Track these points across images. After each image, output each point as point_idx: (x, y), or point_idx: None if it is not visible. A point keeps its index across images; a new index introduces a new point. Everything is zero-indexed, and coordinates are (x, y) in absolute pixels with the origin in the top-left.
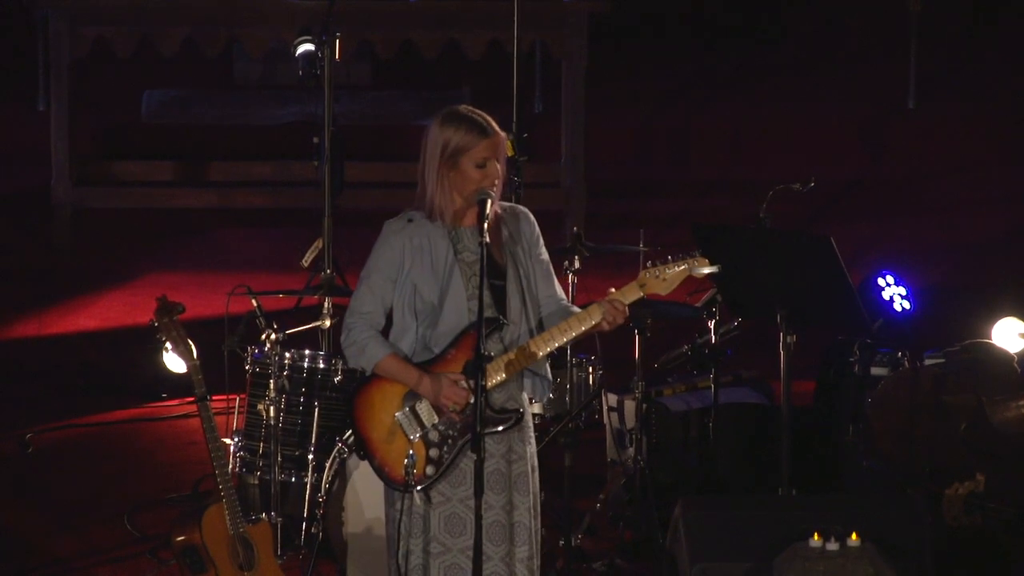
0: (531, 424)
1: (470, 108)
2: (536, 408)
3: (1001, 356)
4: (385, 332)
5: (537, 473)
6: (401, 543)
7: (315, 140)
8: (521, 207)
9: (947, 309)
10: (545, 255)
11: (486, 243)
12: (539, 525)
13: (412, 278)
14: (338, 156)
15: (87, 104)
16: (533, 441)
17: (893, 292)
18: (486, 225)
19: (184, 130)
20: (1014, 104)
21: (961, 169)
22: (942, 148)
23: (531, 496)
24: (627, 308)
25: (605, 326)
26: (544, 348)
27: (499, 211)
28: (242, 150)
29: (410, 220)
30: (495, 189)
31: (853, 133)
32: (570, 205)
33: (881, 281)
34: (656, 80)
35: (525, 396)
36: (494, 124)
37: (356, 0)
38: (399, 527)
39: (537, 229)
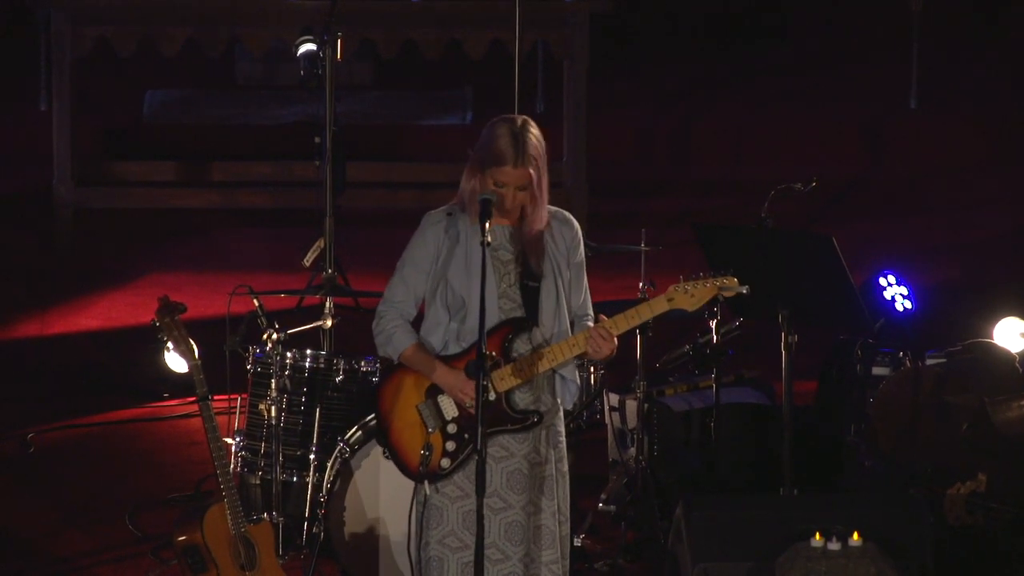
0: (560, 428)
1: (525, 128)
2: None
3: (1003, 356)
4: (418, 323)
5: (568, 479)
6: (415, 533)
7: (316, 140)
8: (567, 214)
9: (949, 309)
10: (581, 263)
11: (487, 242)
12: (568, 531)
13: (445, 271)
14: (340, 156)
15: (89, 104)
16: (563, 445)
17: (895, 292)
18: (487, 225)
19: (186, 130)
20: (1014, 104)
21: (962, 169)
22: (943, 148)
23: (557, 500)
24: (615, 338)
25: (592, 354)
26: (549, 362)
27: (547, 216)
28: (244, 150)
29: (449, 214)
30: (530, 210)
31: (855, 133)
32: (572, 205)
33: (883, 281)
34: (658, 80)
35: (558, 401)
36: (527, 154)
37: (357, 0)
38: (416, 518)
39: (579, 235)
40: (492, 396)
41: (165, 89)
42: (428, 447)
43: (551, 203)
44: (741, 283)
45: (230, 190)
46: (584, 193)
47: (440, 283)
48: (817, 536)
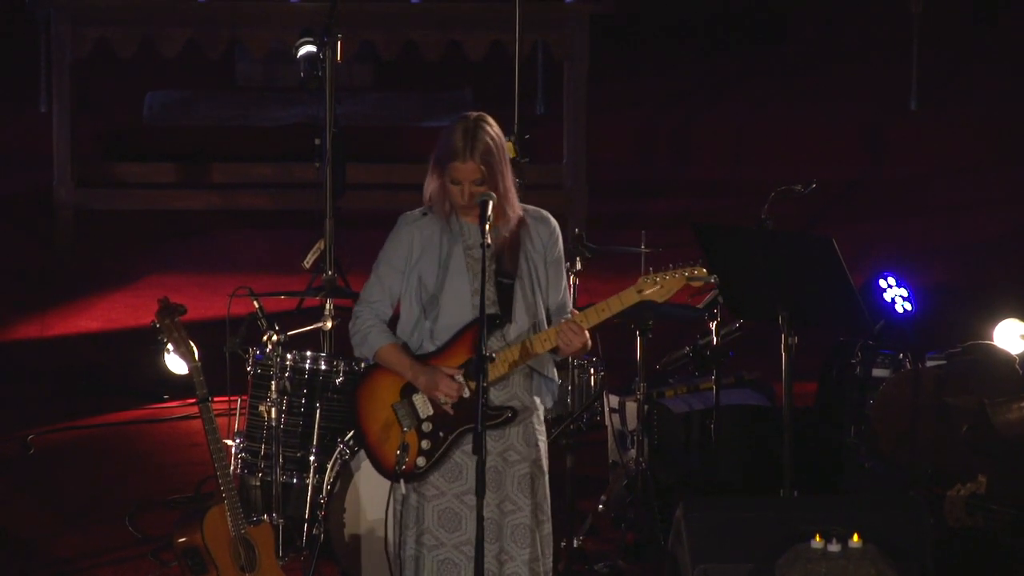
0: (538, 426)
1: (478, 124)
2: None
3: (1003, 357)
4: (394, 323)
5: (546, 476)
6: (392, 533)
7: (316, 141)
8: (544, 212)
9: (949, 310)
10: (559, 259)
11: (487, 244)
12: (549, 530)
13: (419, 270)
14: (339, 157)
15: (89, 105)
16: (541, 443)
17: (895, 293)
18: (487, 227)
19: (186, 131)
20: (1014, 105)
21: (962, 170)
22: (943, 149)
23: (534, 498)
24: (585, 332)
25: (563, 347)
26: (522, 357)
27: (522, 213)
28: (244, 151)
29: (425, 213)
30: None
31: (855, 134)
32: (572, 206)
33: (883, 282)
34: (658, 81)
35: (536, 399)
36: (476, 149)
37: (357, 1)
38: (393, 516)
39: (556, 233)
40: (466, 393)
41: (165, 90)
42: (404, 446)
43: (546, 204)
44: (742, 285)
45: (230, 191)
46: (584, 194)
47: (415, 282)
48: (817, 538)
